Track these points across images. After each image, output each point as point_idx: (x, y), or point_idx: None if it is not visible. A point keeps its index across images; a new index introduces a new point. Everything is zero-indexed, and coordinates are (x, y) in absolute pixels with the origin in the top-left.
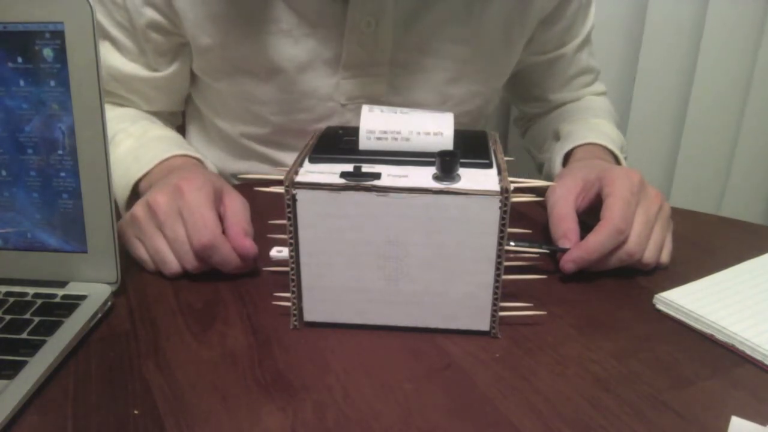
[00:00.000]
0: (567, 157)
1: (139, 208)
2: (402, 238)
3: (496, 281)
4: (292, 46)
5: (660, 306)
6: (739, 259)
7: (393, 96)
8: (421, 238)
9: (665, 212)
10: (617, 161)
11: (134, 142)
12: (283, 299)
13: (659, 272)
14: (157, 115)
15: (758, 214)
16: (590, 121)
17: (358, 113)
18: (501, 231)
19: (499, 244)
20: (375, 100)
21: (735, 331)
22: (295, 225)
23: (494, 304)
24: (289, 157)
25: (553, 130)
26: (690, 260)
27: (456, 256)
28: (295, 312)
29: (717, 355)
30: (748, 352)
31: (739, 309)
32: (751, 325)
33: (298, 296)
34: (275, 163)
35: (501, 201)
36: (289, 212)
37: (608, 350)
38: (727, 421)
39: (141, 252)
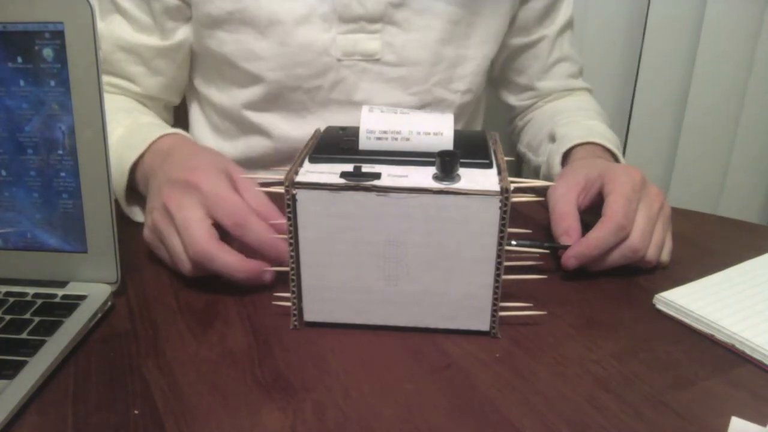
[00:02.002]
0: (566, 157)
1: (156, 213)
2: (402, 238)
3: (496, 281)
4: None
5: (660, 306)
6: (739, 259)
7: (387, 54)
8: (420, 238)
9: (666, 211)
10: (616, 161)
11: (124, 131)
12: (283, 299)
13: (659, 272)
14: (153, 102)
15: (756, 215)
16: (585, 123)
17: (354, 70)
18: (501, 231)
19: (499, 244)
20: (370, 57)
21: (735, 331)
22: (295, 225)
23: (494, 304)
24: (287, 126)
25: (548, 133)
26: (690, 260)
27: (456, 256)
28: (295, 312)
29: (717, 355)
30: (748, 352)
31: (739, 309)
32: (751, 325)
33: (298, 296)
34: (275, 138)
35: (501, 201)
36: (289, 212)
37: (608, 350)
38: (727, 421)
39: (166, 255)
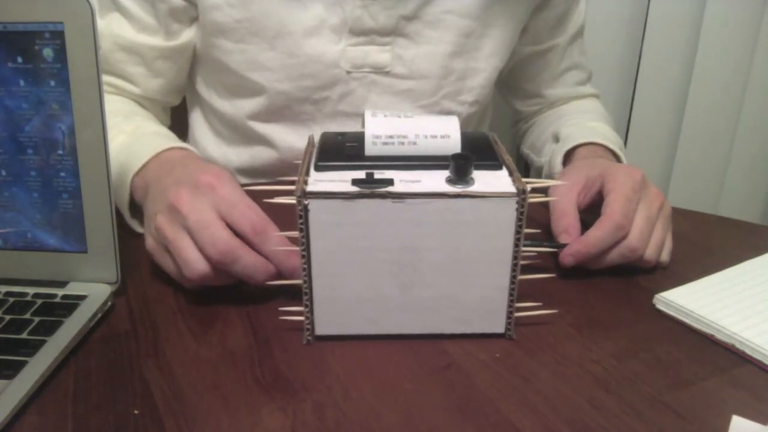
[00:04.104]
0: (568, 157)
1: (160, 217)
2: (417, 244)
3: (512, 282)
4: (300, 10)
5: (660, 306)
6: (739, 259)
7: (397, 66)
8: (436, 243)
9: (666, 211)
10: (618, 162)
11: (127, 138)
12: (293, 314)
13: (659, 272)
14: (151, 103)
15: (756, 215)
16: (589, 124)
17: (363, 82)
18: (518, 232)
19: (515, 245)
20: (379, 69)
21: (735, 331)
22: (307, 236)
23: (510, 306)
24: (293, 138)
25: (552, 133)
26: (690, 260)
27: (472, 259)
28: (308, 326)
29: (717, 355)
30: (748, 352)
31: (739, 309)
32: (751, 325)
33: (311, 310)
34: (280, 149)
35: (518, 202)
36: (301, 223)
37: (608, 350)
38: (727, 421)
39: (170, 264)
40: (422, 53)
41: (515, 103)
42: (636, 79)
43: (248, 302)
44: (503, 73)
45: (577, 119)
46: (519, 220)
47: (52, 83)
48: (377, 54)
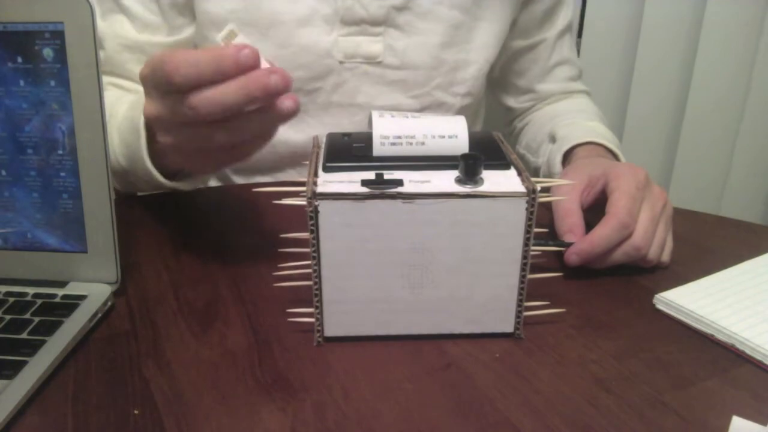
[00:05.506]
0: (566, 157)
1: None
2: (427, 245)
3: (522, 282)
4: (293, 0)
5: (660, 306)
6: (739, 259)
7: (389, 57)
8: (446, 243)
9: (668, 211)
10: (617, 161)
11: (135, 99)
12: (303, 315)
13: (659, 272)
14: None
15: (757, 215)
16: (585, 124)
17: (355, 73)
18: (527, 231)
19: (525, 244)
20: (371, 60)
21: (735, 331)
22: (317, 238)
23: (519, 305)
24: (287, 130)
25: (547, 133)
26: (690, 260)
27: (481, 259)
28: (319, 328)
29: (717, 355)
30: (748, 352)
31: (739, 309)
32: (751, 325)
33: (320, 312)
34: (273, 141)
35: (528, 202)
36: (312, 225)
37: (608, 350)
38: (727, 421)
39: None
40: (413, 44)
41: (508, 100)
42: (634, 78)
43: (248, 302)
44: (495, 69)
45: (572, 119)
46: (529, 219)
47: (52, 83)
48: (369, 44)
